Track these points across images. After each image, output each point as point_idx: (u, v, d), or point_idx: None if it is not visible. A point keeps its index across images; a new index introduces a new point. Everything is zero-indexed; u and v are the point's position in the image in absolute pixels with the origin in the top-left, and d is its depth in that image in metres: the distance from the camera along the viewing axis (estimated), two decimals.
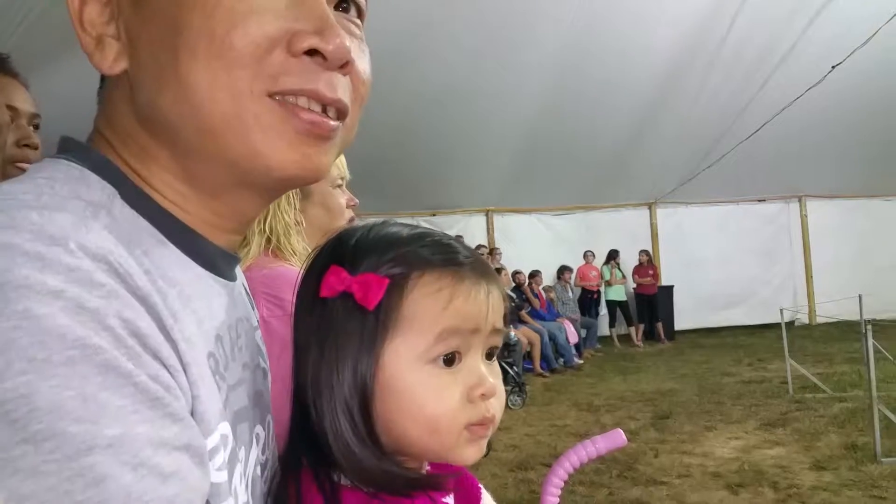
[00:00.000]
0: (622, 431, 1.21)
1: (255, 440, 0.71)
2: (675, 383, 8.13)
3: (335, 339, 0.69)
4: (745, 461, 5.05)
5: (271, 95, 0.58)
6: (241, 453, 0.65)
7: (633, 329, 11.72)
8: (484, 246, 11.07)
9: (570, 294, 11.31)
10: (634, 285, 11.83)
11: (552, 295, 10.98)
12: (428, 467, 0.81)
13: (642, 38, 8.16)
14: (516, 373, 7.74)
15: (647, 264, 11.84)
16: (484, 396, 0.72)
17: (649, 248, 12.17)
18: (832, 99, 8.94)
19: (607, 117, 9.34)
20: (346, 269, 0.70)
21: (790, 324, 11.12)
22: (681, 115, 9.62)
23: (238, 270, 0.84)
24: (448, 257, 0.73)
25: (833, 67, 7.62)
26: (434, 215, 11.48)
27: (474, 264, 0.74)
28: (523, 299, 10.26)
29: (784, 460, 5.04)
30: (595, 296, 11.67)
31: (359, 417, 0.68)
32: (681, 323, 11.88)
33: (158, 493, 0.47)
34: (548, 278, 11.24)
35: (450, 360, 0.70)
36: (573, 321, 10.53)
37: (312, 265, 0.74)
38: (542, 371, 9.35)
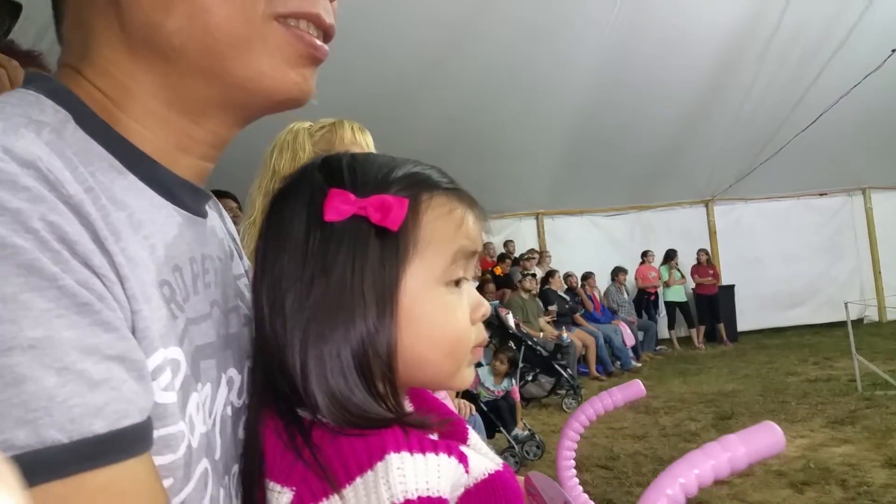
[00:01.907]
0: (640, 382, 1.11)
1: (226, 382, 0.70)
2: (737, 384, 7.86)
3: (351, 265, 0.66)
4: (811, 459, 4.83)
5: (277, 18, 0.62)
6: (206, 388, 0.65)
7: (693, 331, 11.38)
8: (536, 250, 10.93)
9: (626, 296, 11.07)
10: (694, 285, 11.50)
11: (601, 294, 10.77)
12: (410, 405, 0.79)
13: (692, 27, 7.93)
14: (570, 375, 7.60)
15: (707, 264, 11.52)
16: (483, 317, 0.73)
17: (707, 247, 11.81)
18: (894, 84, 8.55)
19: (657, 112, 9.09)
20: (350, 192, 0.68)
21: (858, 321, 10.70)
22: (734, 107, 9.32)
23: (217, 211, 0.85)
24: (447, 180, 0.74)
25: (893, 51, 7.31)
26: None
27: (466, 191, 0.75)
28: (577, 302, 10.10)
29: (853, 458, 4.80)
30: (652, 297, 11.36)
31: (379, 345, 0.66)
32: (743, 324, 11.49)
33: (86, 399, 0.46)
34: (601, 280, 11.04)
35: (457, 280, 0.71)
36: (629, 323, 10.30)
37: (295, 190, 0.71)
38: (598, 374, 9.16)
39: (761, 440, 0.64)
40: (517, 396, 6.00)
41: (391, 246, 0.67)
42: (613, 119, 9.15)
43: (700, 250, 11.56)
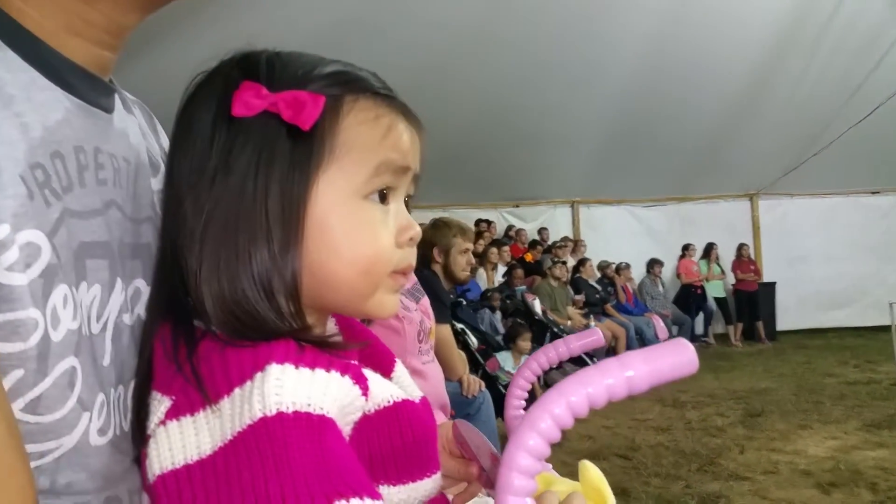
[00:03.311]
0: (599, 330, 1.02)
1: (126, 290, 0.69)
2: (771, 382, 7.60)
3: (255, 164, 0.61)
4: (841, 461, 4.61)
5: None
6: (94, 290, 0.64)
7: (731, 328, 11.05)
8: (569, 238, 10.73)
9: (661, 288, 10.81)
10: (734, 281, 11.17)
11: (633, 286, 10.53)
12: (336, 329, 0.77)
13: (740, 11, 7.64)
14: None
15: (748, 259, 11.18)
16: (412, 241, 0.69)
17: (749, 243, 11.46)
18: None
19: (701, 101, 8.77)
20: (264, 86, 0.63)
21: None
22: (784, 98, 8.95)
23: (146, 120, 0.83)
24: (381, 84, 0.69)
25: None
26: (517, 206, 11.23)
27: (401, 101, 0.70)
28: (608, 292, 9.89)
29: (887, 462, 4.56)
30: (699, 290, 11.03)
31: (282, 254, 0.61)
32: (783, 323, 11.10)
33: None
34: (637, 272, 10.80)
35: (383, 196, 0.66)
36: (663, 317, 10.05)
37: (209, 84, 0.66)
38: None
39: (668, 359, 0.54)
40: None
41: (303, 148, 0.62)
42: (656, 108, 8.88)
43: (741, 245, 11.22)
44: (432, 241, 3.42)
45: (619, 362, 0.55)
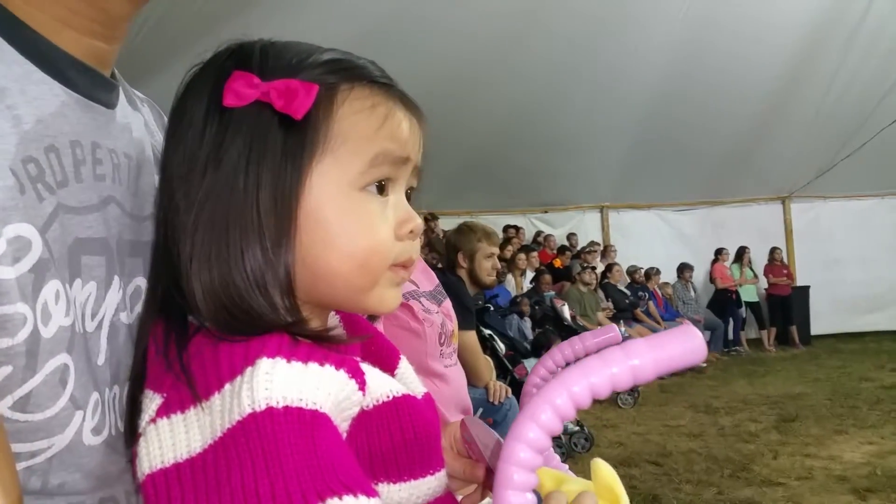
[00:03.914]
0: (616, 327, 1.01)
1: (124, 288, 0.68)
2: (805, 387, 7.48)
3: (246, 156, 0.60)
4: (878, 466, 4.53)
5: None
6: (89, 287, 0.62)
7: (764, 332, 10.89)
8: (597, 243, 10.66)
9: (692, 293, 10.69)
10: (766, 286, 11.01)
11: (668, 291, 10.41)
12: (339, 325, 0.74)
13: (770, 16, 7.56)
14: None
15: (780, 263, 11.01)
16: (412, 234, 0.66)
17: (782, 247, 11.28)
18: None
19: (731, 103, 8.68)
20: (256, 75, 0.61)
21: None
22: (815, 99, 8.82)
23: (154, 117, 0.82)
24: (379, 72, 0.67)
25: None
26: (546, 212, 11.17)
27: (401, 90, 0.68)
28: (638, 297, 9.80)
29: None
30: (734, 296, 10.87)
31: (275, 248, 0.59)
32: (818, 327, 10.89)
33: None
34: (668, 277, 10.68)
35: (381, 188, 0.64)
36: (695, 322, 9.93)
37: (202, 74, 0.65)
38: None
39: (674, 346, 0.52)
40: None
41: (295, 139, 0.60)
42: (685, 112, 8.80)
43: (774, 249, 11.05)
44: (457, 245, 3.41)
45: (623, 351, 0.52)
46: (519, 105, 8.25)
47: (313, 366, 0.55)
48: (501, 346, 5.30)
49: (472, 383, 2.82)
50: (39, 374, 0.56)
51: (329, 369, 0.56)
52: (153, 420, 0.56)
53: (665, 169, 10.06)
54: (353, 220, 0.62)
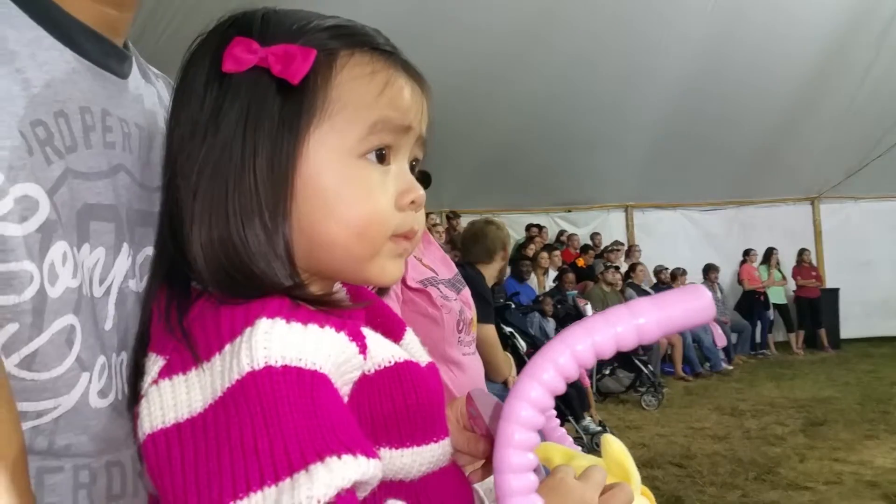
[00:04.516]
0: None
1: (133, 256, 0.69)
2: (834, 391, 7.34)
3: (244, 121, 0.60)
4: None
5: None
6: (98, 252, 0.64)
7: (792, 335, 10.70)
8: (621, 242, 10.55)
9: (719, 295, 10.53)
10: (795, 288, 10.83)
11: None
12: (344, 293, 0.74)
13: (799, 11, 7.44)
14: (651, 372, 7.28)
15: (809, 265, 10.82)
16: (414, 204, 0.65)
17: (811, 248, 11.09)
18: None
19: (759, 101, 8.54)
20: (256, 41, 0.61)
21: None
22: (846, 96, 8.68)
23: (151, 80, 0.81)
24: (382, 40, 0.66)
25: None
26: (569, 212, 11.08)
27: (404, 59, 0.66)
28: None
29: None
30: (762, 297, 10.70)
31: (271, 214, 0.59)
32: (848, 330, 10.68)
33: None
34: (694, 278, 10.52)
35: (381, 157, 0.63)
36: (722, 323, 9.79)
37: (205, 42, 0.65)
38: (683, 374, 8.73)
39: (680, 305, 0.50)
40: (587, 382, 5.78)
41: (292, 104, 0.60)
42: (712, 109, 8.69)
43: (802, 250, 10.86)
44: (503, 241, 3.41)
45: (628, 309, 0.51)
46: (541, 102, 8.18)
47: (313, 327, 0.55)
48: (523, 344, 5.24)
49: (490, 378, 2.78)
50: (46, 332, 0.57)
51: (329, 331, 0.56)
52: (155, 381, 0.57)
53: (691, 168, 9.91)
54: (350, 187, 0.61)
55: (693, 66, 8.00)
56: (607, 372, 7.23)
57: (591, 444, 5.30)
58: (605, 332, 0.50)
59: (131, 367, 0.64)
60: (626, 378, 7.32)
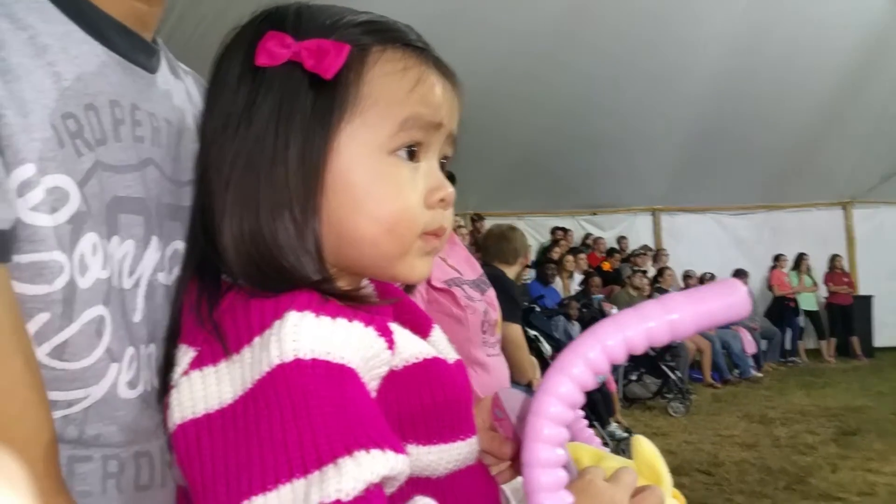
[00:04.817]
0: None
1: (162, 249, 0.69)
2: (868, 400, 7.19)
3: (276, 115, 0.61)
4: None
5: None
6: (127, 245, 0.64)
7: (823, 343, 10.50)
8: (649, 247, 10.43)
9: None
10: (826, 294, 10.62)
11: None
12: (371, 289, 0.73)
13: (835, 9, 7.29)
14: (679, 378, 7.17)
15: (841, 271, 10.62)
16: (443, 202, 0.66)
17: (843, 254, 10.88)
18: None
19: (791, 102, 8.38)
20: (290, 35, 0.62)
21: None
22: (882, 97, 8.45)
23: (196, 87, 0.83)
24: (415, 36, 0.66)
25: None
26: (595, 214, 10.97)
27: (436, 55, 0.67)
28: None
29: None
30: (792, 304, 10.53)
31: (302, 209, 0.60)
32: (882, 338, 10.43)
33: None
34: None
35: (412, 153, 0.64)
36: (751, 330, 9.64)
37: (239, 36, 0.66)
38: (712, 381, 8.60)
39: (715, 300, 0.49)
40: (613, 387, 5.72)
41: (325, 99, 0.61)
42: (743, 110, 8.54)
43: (835, 256, 10.66)
44: (525, 245, 3.43)
45: (661, 304, 0.49)
46: (568, 103, 8.09)
47: (342, 321, 0.55)
48: (548, 348, 5.19)
49: (514, 378, 2.76)
50: (76, 323, 0.58)
51: (357, 326, 0.56)
52: (186, 372, 0.58)
53: (721, 170, 9.75)
54: (380, 184, 0.62)
55: (725, 66, 7.88)
56: (634, 378, 7.15)
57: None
58: (636, 327, 0.49)
59: (162, 358, 0.65)
60: (653, 384, 7.24)
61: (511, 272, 3.47)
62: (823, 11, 7.28)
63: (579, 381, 0.49)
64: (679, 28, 7.26)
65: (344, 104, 0.61)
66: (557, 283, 8.27)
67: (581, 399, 0.50)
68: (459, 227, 7.90)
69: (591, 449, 0.71)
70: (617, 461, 0.67)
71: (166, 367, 0.62)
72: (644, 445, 0.66)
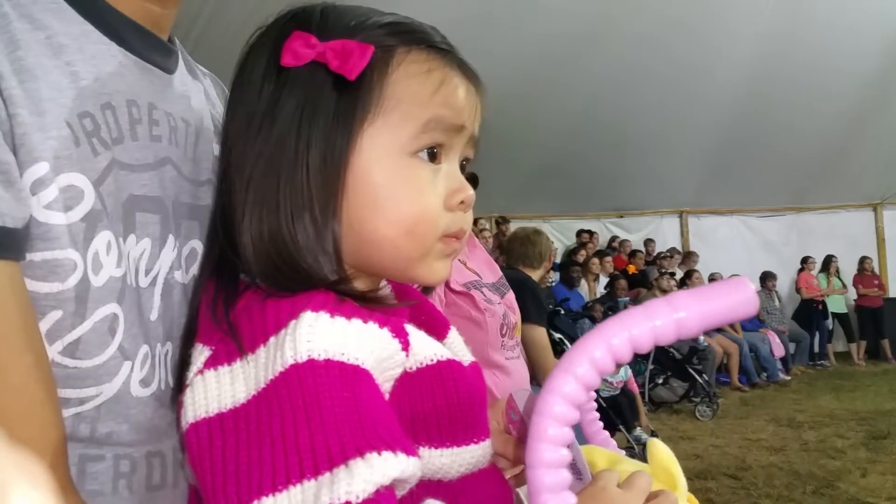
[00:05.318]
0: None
1: (179, 248, 0.70)
2: None
3: (299, 115, 0.61)
4: None
5: None
6: (144, 243, 0.65)
7: (853, 346, 10.34)
8: (677, 250, 10.36)
9: (777, 303, 10.25)
10: (856, 296, 10.48)
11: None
12: (389, 290, 0.73)
13: (864, 11, 7.21)
14: (706, 381, 7.11)
15: (871, 273, 10.46)
16: (464, 205, 0.66)
17: (873, 255, 10.72)
18: None
19: (821, 105, 8.30)
20: (315, 35, 0.62)
21: None
22: None
23: (216, 90, 0.84)
24: (439, 38, 0.66)
25: None
26: (621, 217, 10.94)
27: (460, 58, 0.67)
28: None
29: None
30: (820, 306, 10.39)
31: (322, 208, 0.60)
32: None
33: None
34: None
35: (433, 155, 0.64)
36: (779, 333, 9.53)
37: (264, 36, 0.66)
38: (739, 384, 8.52)
39: (722, 299, 0.49)
40: (635, 388, 5.69)
41: (348, 100, 0.61)
42: (771, 112, 8.48)
43: (864, 258, 10.51)
44: (548, 249, 3.44)
45: (667, 302, 0.49)
46: (594, 105, 8.09)
47: (356, 322, 0.55)
48: None
49: (537, 381, 2.77)
50: (89, 321, 0.58)
51: (372, 327, 0.56)
52: (200, 371, 0.57)
53: (748, 172, 9.68)
54: (401, 185, 0.62)
55: (752, 68, 7.83)
56: (660, 381, 7.10)
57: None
58: (642, 325, 0.49)
59: (178, 357, 0.65)
60: (680, 387, 7.18)
61: (535, 275, 3.49)
62: (850, 16, 7.21)
63: (584, 381, 0.49)
64: (706, 33, 7.24)
65: (367, 105, 0.61)
66: (583, 286, 8.25)
67: (586, 398, 0.51)
68: (483, 230, 7.92)
69: (607, 452, 0.71)
70: (632, 465, 0.68)
71: (182, 366, 0.62)
72: (660, 449, 0.67)
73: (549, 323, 4.85)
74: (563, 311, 5.77)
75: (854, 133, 8.98)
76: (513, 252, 3.57)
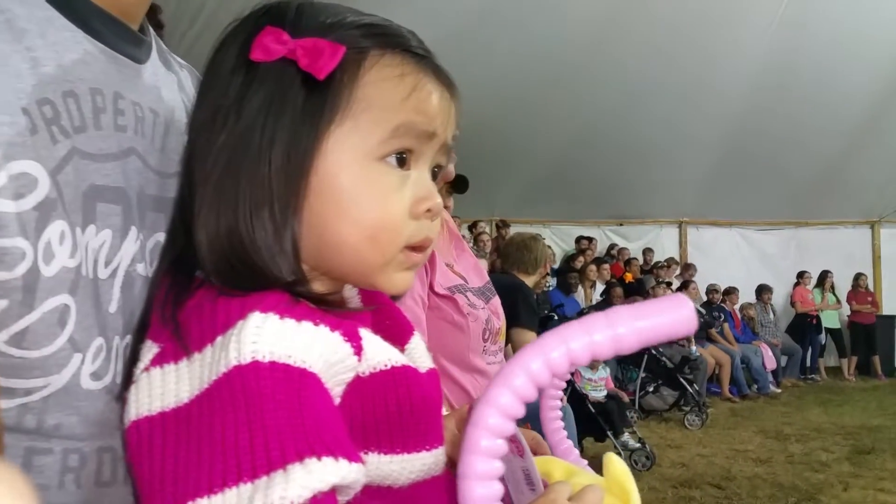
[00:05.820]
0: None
1: (143, 240, 0.68)
2: (885, 420, 7.13)
3: (266, 110, 0.59)
4: None
5: None
6: (104, 234, 0.63)
7: (844, 361, 10.42)
8: (675, 260, 10.42)
9: (772, 316, 10.32)
10: (849, 312, 10.55)
11: (752, 313, 10.07)
12: (355, 296, 0.73)
13: (868, 26, 7.26)
14: (696, 391, 7.17)
15: (865, 290, 10.52)
16: (430, 213, 0.63)
17: (868, 272, 10.78)
18: None
19: (823, 120, 8.38)
20: (287, 32, 0.60)
21: None
22: None
23: (192, 81, 0.83)
24: (416, 42, 0.64)
25: None
26: (621, 225, 10.99)
27: (436, 63, 0.65)
28: (714, 317, 9.53)
29: None
30: (814, 321, 10.46)
31: (282, 208, 0.58)
32: None
33: None
34: (747, 298, 10.34)
35: (402, 161, 0.62)
36: (772, 346, 9.61)
37: (237, 29, 0.64)
38: (730, 395, 8.59)
39: (660, 315, 0.49)
40: (624, 397, 5.74)
41: (316, 99, 0.59)
42: (774, 126, 8.56)
43: (859, 275, 10.58)
44: (544, 255, 3.49)
45: (605, 318, 0.50)
46: (597, 113, 8.16)
47: (307, 325, 0.54)
48: None
49: None
50: (37, 311, 0.57)
51: (323, 330, 0.55)
52: (146, 369, 0.56)
53: (749, 185, 9.76)
54: (366, 190, 0.60)
55: (756, 82, 7.90)
56: (651, 389, 7.15)
57: (630, 462, 5.27)
58: (580, 339, 0.49)
59: (129, 352, 0.63)
60: (671, 396, 7.21)
61: (530, 281, 3.51)
62: (853, 35, 7.27)
63: (520, 394, 0.49)
64: (710, 45, 7.30)
65: (335, 106, 0.59)
66: (580, 293, 8.30)
67: (521, 411, 0.50)
68: (482, 233, 7.97)
69: (563, 463, 0.71)
70: (588, 478, 0.67)
71: (132, 362, 0.60)
72: (615, 463, 0.66)
73: (543, 328, 4.92)
74: (556, 317, 5.84)
75: (855, 151, 9.05)
76: (509, 256, 3.59)
